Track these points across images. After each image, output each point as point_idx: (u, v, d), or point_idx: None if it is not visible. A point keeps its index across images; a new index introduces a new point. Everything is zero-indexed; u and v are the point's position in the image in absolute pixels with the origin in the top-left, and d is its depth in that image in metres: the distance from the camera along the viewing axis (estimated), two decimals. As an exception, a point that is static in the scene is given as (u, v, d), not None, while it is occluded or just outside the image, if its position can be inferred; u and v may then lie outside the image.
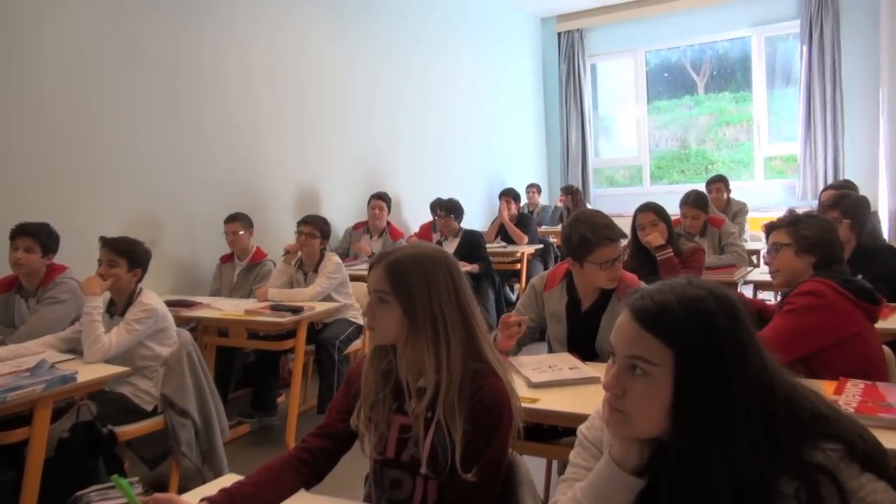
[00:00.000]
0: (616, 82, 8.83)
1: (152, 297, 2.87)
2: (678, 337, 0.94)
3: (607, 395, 1.01)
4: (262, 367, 3.90)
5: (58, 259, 3.16)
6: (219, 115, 4.52)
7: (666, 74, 8.48)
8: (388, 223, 5.37)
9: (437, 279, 1.36)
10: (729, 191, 5.42)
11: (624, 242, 2.29)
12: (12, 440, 2.33)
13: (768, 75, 7.75)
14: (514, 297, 5.91)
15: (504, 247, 5.96)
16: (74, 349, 2.79)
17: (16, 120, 3.40)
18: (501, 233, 6.23)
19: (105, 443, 2.53)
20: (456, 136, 7.07)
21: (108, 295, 2.92)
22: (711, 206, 4.53)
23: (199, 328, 3.71)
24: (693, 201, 4.20)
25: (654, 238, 3.33)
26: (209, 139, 4.46)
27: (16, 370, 2.42)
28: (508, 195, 6.30)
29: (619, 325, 1.00)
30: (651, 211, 3.39)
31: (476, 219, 6.71)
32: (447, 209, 5.22)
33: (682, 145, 8.49)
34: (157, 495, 1.23)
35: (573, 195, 7.17)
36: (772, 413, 0.94)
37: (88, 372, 2.48)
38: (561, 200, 7.30)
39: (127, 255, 2.83)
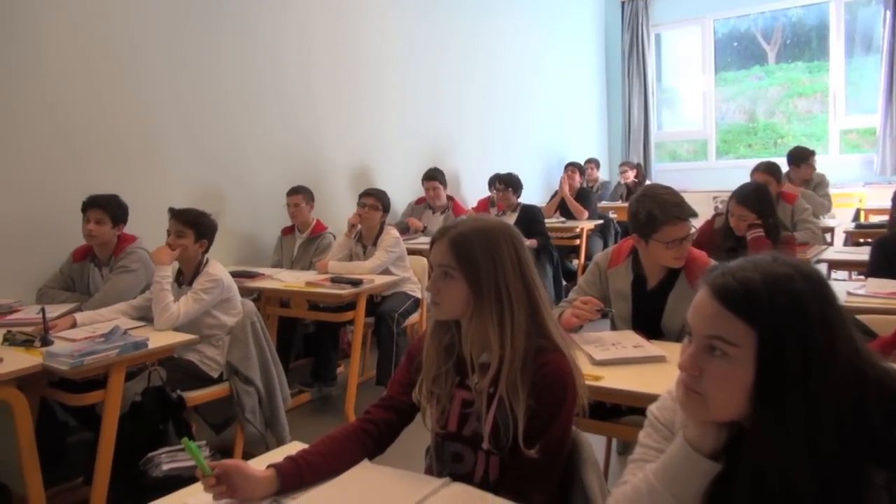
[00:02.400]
0: (681, 53, 8.53)
1: (218, 268, 2.94)
2: (762, 317, 0.89)
3: (682, 375, 0.97)
4: (322, 338, 3.97)
5: (128, 230, 3.27)
6: (280, 89, 4.56)
7: (735, 44, 8.14)
8: (452, 198, 5.37)
9: (501, 252, 1.34)
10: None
11: (695, 221, 2.21)
12: (89, 402, 2.44)
13: (847, 43, 7.33)
14: (574, 270, 5.83)
15: (563, 222, 5.88)
16: (145, 317, 2.89)
17: (83, 97, 3.50)
18: (561, 208, 6.15)
19: (174, 407, 2.61)
20: (516, 111, 6.98)
21: (176, 265, 3.00)
22: (786, 181, 4.26)
23: (261, 299, 3.78)
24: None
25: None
26: (270, 114, 4.50)
27: (91, 336, 2.53)
28: (574, 166, 6.22)
29: (697, 303, 0.95)
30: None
31: (534, 194, 6.63)
32: (506, 183, 5.18)
33: (749, 118, 8.16)
34: (225, 462, 1.26)
35: (638, 170, 6.99)
36: (862, 399, 0.89)
37: (158, 339, 2.57)
38: (625, 175, 7.13)
39: (194, 225, 2.90)
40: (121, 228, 3.21)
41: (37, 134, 3.30)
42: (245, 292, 3.45)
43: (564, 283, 5.34)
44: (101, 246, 3.18)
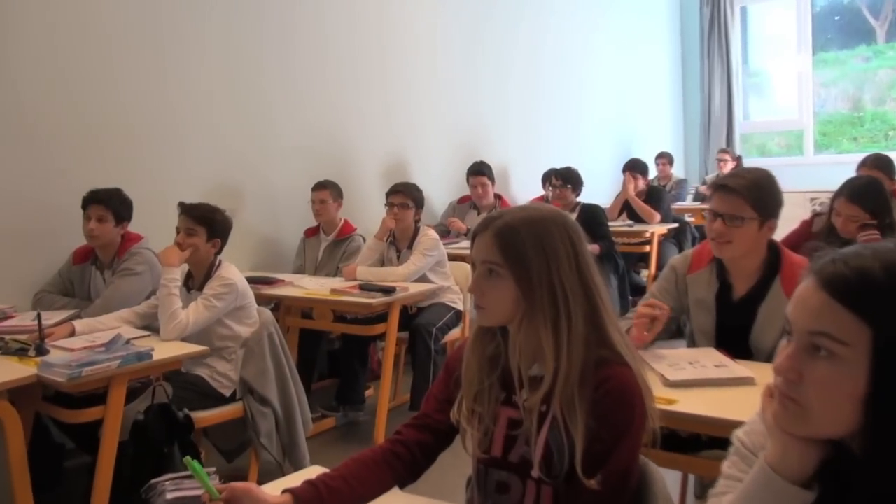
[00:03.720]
0: (772, 30, 8.39)
1: (232, 271, 2.98)
2: (880, 312, 0.84)
3: (777, 380, 0.93)
4: (348, 356, 3.98)
5: (133, 228, 3.34)
6: (305, 76, 4.63)
7: (837, 18, 7.97)
8: (500, 197, 5.38)
9: (555, 246, 1.31)
10: None
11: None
12: (86, 419, 2.49)
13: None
14: (643, 283, 5.75)
15: (630, 225, 5.81)
16: (150, 325, 2.95)
17: (86, 81, 3.60)
18: (627, 209, 6.07)
19: (181, 428, 2.65)
20: (573, 98, 6.96)
21: (185, 268, 3.06)
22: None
23: (281, 308, 3.83)
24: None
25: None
26: (295, 102, 4.57)
27: (90, 345, 2.58)
28: (633, 168, 6.08)
29: (799, 295, 0.91)
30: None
31: (596, 194, 6.55)
32: (563, 178, 5.14)
33: (854, 106, 7.96)
34: (234, 484, 1.26)
35: (738, 163, 6.85)
36: None
37: (164, 350, 2.61)
38: (722, 165, 7.00)
39: (206, 223, 2.95)
40: (125, 227, 3.29)
41: (34, 124, 3.41)
42: (262, 300, 3.49)
43: (631, 297, 5.26)
44: (103, 246, 3.26)
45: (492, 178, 5.32)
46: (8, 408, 2.27)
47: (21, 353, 2.51)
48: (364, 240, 4.23)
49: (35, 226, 3.38)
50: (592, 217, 5.05)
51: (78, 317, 3.01)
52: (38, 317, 2.59)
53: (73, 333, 2.77)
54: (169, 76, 3.94)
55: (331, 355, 4.43)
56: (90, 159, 3.59)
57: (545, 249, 1.30)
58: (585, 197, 5.36)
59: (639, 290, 5.58)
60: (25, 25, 3.36)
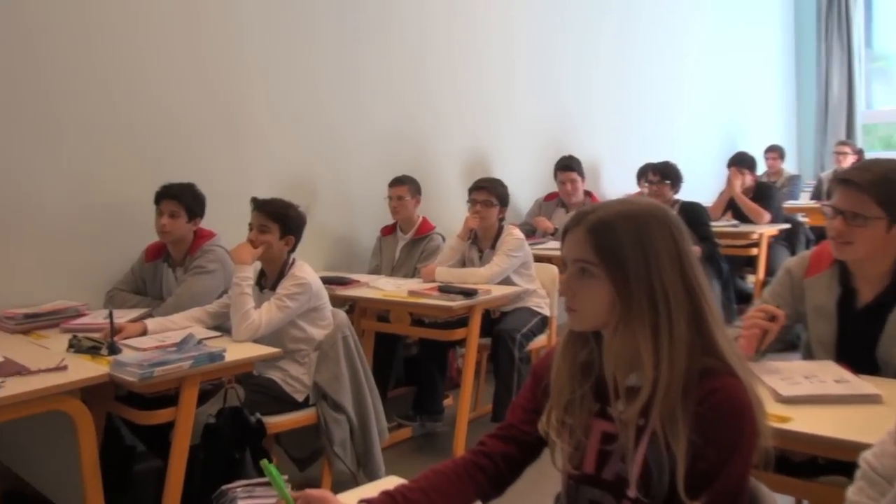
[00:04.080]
0: (901, 8, 8.03)
1: (306, 270, 3.04)
2: None
3: None
4: (427, 362, 4.02)
5: (206, 224, 3.46)
6: (383, 67, 4.70)
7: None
8: (589, 194, 5.35)
9: (655, 242, 1.29)
10: None
11: None
12: (158, 421, 2.58)
13: None
14: (750, 290, 5.59)
15: (735, 226, 5.66)
16: (222, 325, 3.04)
17: (159, 76, 3.74)
18: (732, 208, 5.92)
19: (253, 433, 2.72)
20: (668, 87, 6.90)
21: (258, 266, 3.14)
22: None
23: (355, 310, 3.88)
24: None
25: None
26: (372, 94, 4.64)
27: (161, 344, 2.68)
28: (739, 163, 5.93)
29: None
30: None
31: (696, 192, 6.41)
32: (661, 173, 5.06)
33: None
34: (310, 491, 1.28)
35: (859, 156, 6.61)
36: None
37: (236, 351, 2.68)
38: (841, 159, 6.76)
39: (280, 219, 3.02)
40: (197, 223, 3.41)
41: (107, 119, 3.55)
42: (336, 302, 3.55)
43: (736, 305, 5.11)
44: (175, 243, 3.38)
45: (581, 174, 5.29)
46: (80, 407, 2.37)
47: (93, 351, 2.62)
48: (443, 239, 4.26)
49: (108, 222, 3.54)
50: (693, 216, 4.94)
51: (150, 315, 3.13)
52: (111, 315, 2.71)
53: (144, 332, 2.88)
54: (243, 70, 4.05)
55: (408, 361, 4.46)
56: (163, 154, 3.73)
57: (644, 246, 1.28)
58: (685, 194, 5.26)
59: (744, 298, 5.45)
60: (99, 16, 3.52)
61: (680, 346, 1.26)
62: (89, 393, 2.42)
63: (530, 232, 5.11)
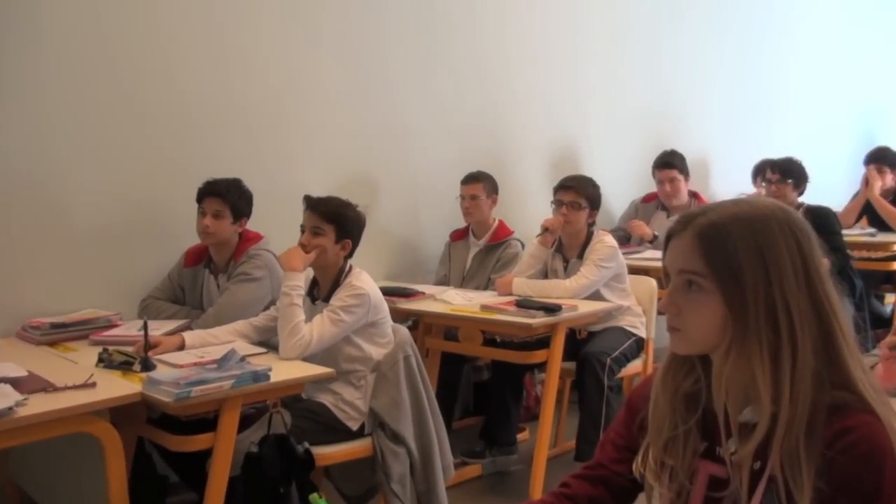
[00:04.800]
0: None
1: (364, 279, 3.06)
2: None
3: None
4: (500, 388, 4.00)
5: (252, 226, 3.52)
6: (449, 54, 4.73)
7: None
8: (695, 195, 5.30)
9: (778, 251, 1.26)
10: None
11: None
12: (194, 447, 2.62)
13: None
14: (888, 313, 5.41)
15: (872, 234, 5.55)
16: (268, 341, 3.09)
17: (198, 59, 3.82)
18: (869, 213, 5.82)
19: (300, 464, 2.74)
20: (795, 71, 6.81)
21: (309, 274, 3.17)
22: None
23: (420, 327, 3.90)
24: None
25: None
26: (437, 84, 4.68)
27: (200, 361, 2.73)
28: (880, 160, 5.82)
29: None
30: None
31: (825, 194, 6.24)
32: (783, 171, 4.98)
33: None
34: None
35: None
36: None
37: (284, 370, 2.71)
38: None
39: (336, 220, 3.05)
40: (243, 224, 3.48)
41: (140, 109, 3.64)
42: (398, 316, 3.58)
43: (872, 330, 4.96)
44: (218, 246, 3.46)
45: (684, 172, 5.22)
46: (109, 430, 2.42)
47: (125, 366, 2.69)
48: (523, 245, 4.25)
49: (143, 223, 3.64)
50: (820, 222, 4.80)
51: (188, 327, 3.21)
52: (145, 326, 2.76)
53: (182, 346, 2.94)
54: (295, 54, 4.12)
55: (478, 387, 4.46)
56: (206, 148, 3.82)
57: (764, 255, 1.25)
58: (810, 197, 5.13)
59: (882, 321, 5.29)
60: (133, 13, 3.62)
61: (805, 374, 1.23)
62: (119, 414, 2.47)
63: (625, 239, 5.07)
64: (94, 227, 3.50)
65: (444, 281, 4.39)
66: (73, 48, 3.43)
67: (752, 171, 5.90)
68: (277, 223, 3.59)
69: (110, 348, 2.82)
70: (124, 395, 2.45)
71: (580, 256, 3.97)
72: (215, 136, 3.85)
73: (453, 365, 4.05)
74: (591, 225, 4.03)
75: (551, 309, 3.49)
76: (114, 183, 3.56)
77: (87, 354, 2.89)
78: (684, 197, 5.20)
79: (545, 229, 4.03)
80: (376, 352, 3.06)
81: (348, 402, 3.02)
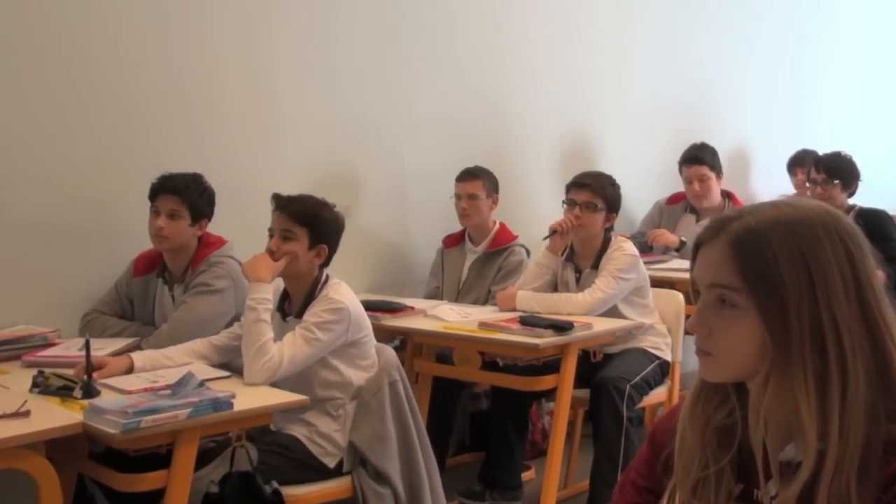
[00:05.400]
0: None
1: (343, 292, 3.05)
2: None
3: None
4: (501, 420, 4.00)
5: (214, 228, 3.51)
6: (446, 31, 4.77)
7: None
8: (729, 195, 5.33)
9: (825, 262, 1.26)
10: None
11: None
12: (144, 487, 2.60)
13: None
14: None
15: (934, 242, 5.49)
16: (231, 363, 3.08)
17: (157, 47, 3.81)
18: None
19: (268, 507, 2.74)
20: (839, 54, 6.87)
21: (279, 285, 3.17)
22: None
23: (408, 347, 3.91)
24: None
25: None
26: (431, 66, 4.70)
27: (152, 386, 2.72)
28: None
29: None
30: None
31: (879, 195, 6.26)
32: (828, 169, 4.96)
33: None
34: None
35: None
36: None
37: (249, 397, 2.69)
38: None
39: (309, 222, 3.04)
40: (203, 226, 3.47)
41: (92, 98, 3.63)
42: (383, 335, 3.56)
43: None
44: (174, 252, 3.44)
45: (716, 169, 5.25)
46: (45, 466, 2.40)
47: (64, 392, 2.67)
48: (528, 253, 4.25)
49: (86, 224, 3.62)
50: (874, 228, 4.81)
51: (138, 347, 3.20)
52: (87, 345, 2.74)
53: (131, 369, 2.93)
54: (260, 41, 4.12)
55: (476, 418, 4.45)
56: (159, 140, 3.80)
57: (809, 266, 1.26)
58: (862, 198, 5.14)
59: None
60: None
61: (857, 406, 1.23)
62: (57, 448, 2.45)
63: (646, 247, 5.06)
64: (27, 229, 3.47)
65: (436, 294, 4.39)
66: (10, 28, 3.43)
67: (788, 162, 5.91)
68: (242, 226, 3.58)
69: (46, 371, 2.82)
70: (63, 426, 2.43)
71: (595, 266, 3.97)
72: (171, 126, 3.84)
73: (447, 392, 4.03)
74: (608, 230, 4.03)
75: (561, 327, 3.49)
76: (52, 178, 3.54)
77: (19, 378, 2.88)
78: (716, 198, 5.21)
79: (554, 232, 4.01)
80: (357, 376, 3.05)
81: (324, 435, 3.01)
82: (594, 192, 3.96)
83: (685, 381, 3.90)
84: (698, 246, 1.36)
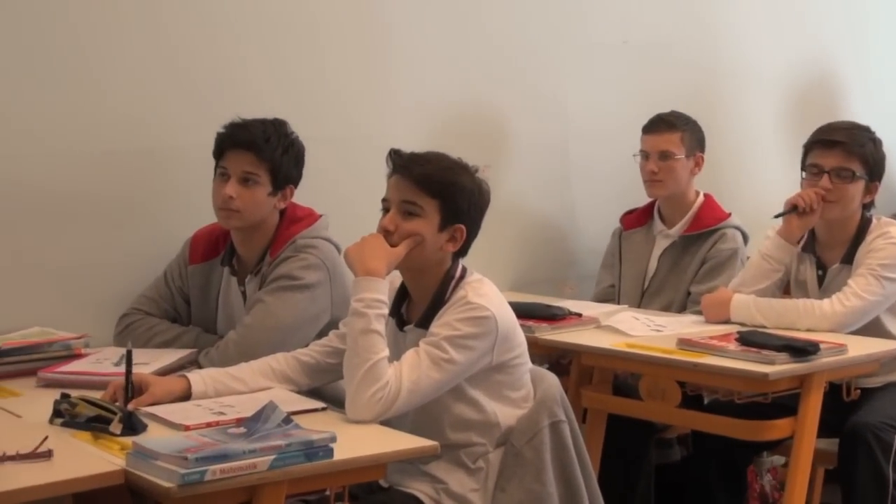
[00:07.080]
0: None
1: (488, 292, 2.98)
2: None
3: None
4: (703, 478, 3.96)
5: (301, 199, 3.50)
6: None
7: None
8: None
9: None
10: None
11: None
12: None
13: None
14: None
15: None
16: (326, 389, 3.06)
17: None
18: None
19: None
20: None
21: (396, 279, 3.11)
22: None
23: (573, 371, 3.86)
24: None
25: None
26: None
27: (218, 419, 2.69)
28: None
29: None
30: None
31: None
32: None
33: None
34: None
35: None
36: None
37: (354, 440, 2.64)
38: None
39: (442, 193, 2.96)
40: (289, 195, 3.46)
41: (125, 34, 3.70)
42: (538, 353, 3.57)
43: None
44: (247, 231, 3.45)
45: None
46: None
47: (98, 426, 2.66)
48: (746, 239, 4.21)
49: (124, 194, 3.67)
50: None
51: (195, 363, 3.19)
52: (128, 359, 2.75)
53: (188, 395, 2.91)
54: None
55: (666, 473, 4.38)
56: (228, 73, 3.86)
57: None
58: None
59: None
60: None
61: None
62: (91, 501, 2.45)
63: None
64: (44, 199, 3.52)
65: (611, 294, 4.38)
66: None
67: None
68: (343, 195, 3.56)
69: (73, 396, 2.80)
70: (98, 475, 2.40)
71: (848, 260, 3.90)
72: (248, 58, 3.90)
73: (629, 437, 4.00)
74: (867, 206, 3.94)
75: (801, 349, 3.39)
76: (77, 129, 3.59)
77: (35, 402, 2.88)
78: None
79: (794, 208, 3.92)
80: (505, 413, 2.99)
81: (457, 496, 2.96)
82: (849, 154, 3.87)
83: None
84: None
